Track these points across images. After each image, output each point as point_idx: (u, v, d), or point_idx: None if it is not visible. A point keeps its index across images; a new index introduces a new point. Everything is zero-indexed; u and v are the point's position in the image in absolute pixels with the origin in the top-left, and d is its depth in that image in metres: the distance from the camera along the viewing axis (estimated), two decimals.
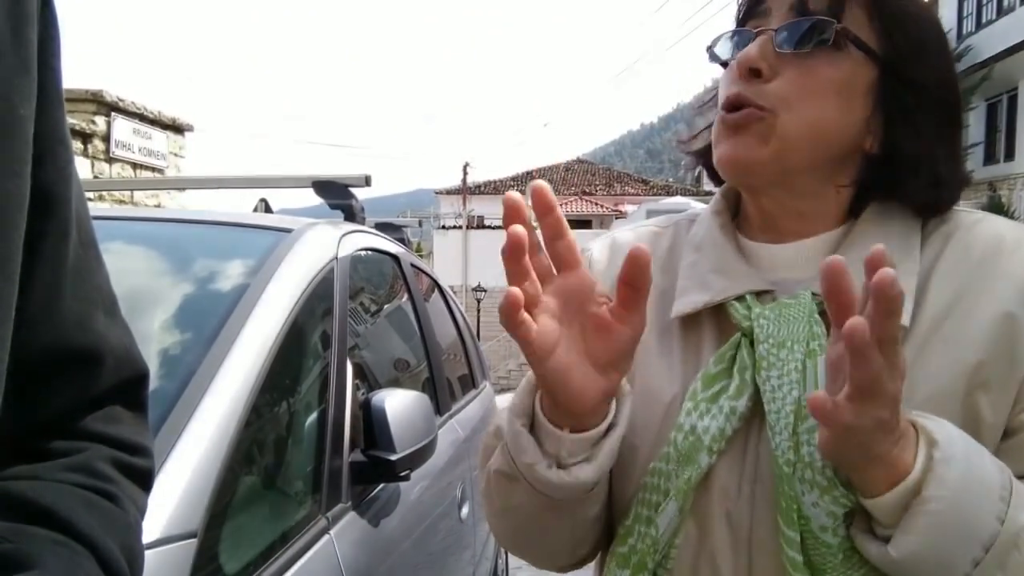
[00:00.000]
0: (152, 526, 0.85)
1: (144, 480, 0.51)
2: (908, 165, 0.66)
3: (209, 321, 1.23)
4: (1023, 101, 15.03)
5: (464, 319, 2.98)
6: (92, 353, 0.48)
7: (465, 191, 27.41)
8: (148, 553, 0.82)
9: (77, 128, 6.18)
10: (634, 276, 0.54)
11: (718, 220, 0.75)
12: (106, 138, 6.58)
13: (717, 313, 0.70)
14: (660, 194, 28.75)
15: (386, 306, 2.16)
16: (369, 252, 1.93)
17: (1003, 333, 0.61)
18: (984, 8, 15.75)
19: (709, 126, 0.75)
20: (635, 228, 0.83)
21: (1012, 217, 12.01)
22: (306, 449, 1.30)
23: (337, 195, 2.22)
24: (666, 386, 0.70)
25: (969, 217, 0.69)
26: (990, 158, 16.04)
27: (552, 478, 0.60)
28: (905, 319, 0.62)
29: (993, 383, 0.61)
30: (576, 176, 34.68)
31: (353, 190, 2.25)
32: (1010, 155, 15.48)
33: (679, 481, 0.65)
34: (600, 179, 34.88)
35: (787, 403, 0.62)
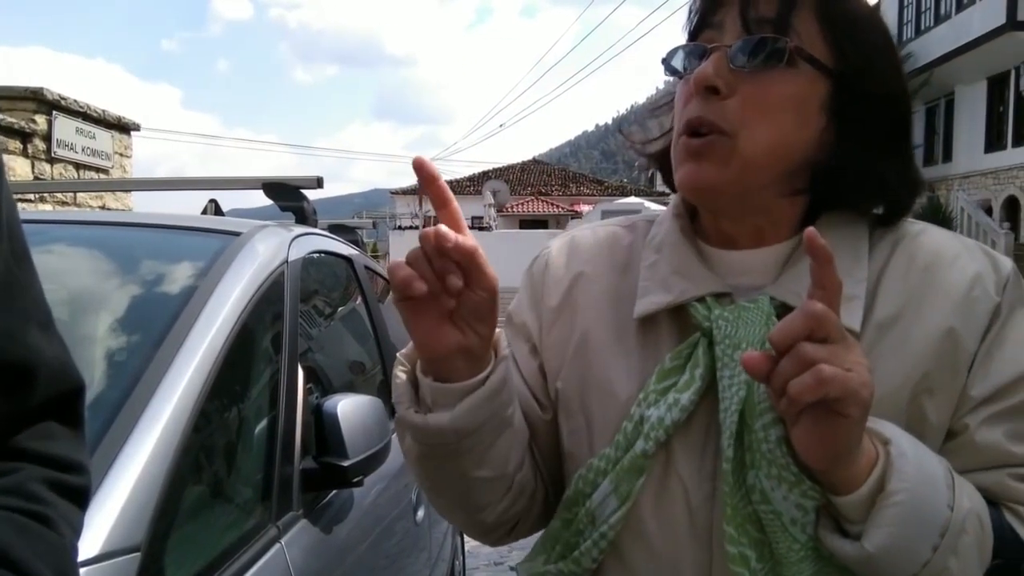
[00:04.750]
0: (92, 541, 0.83)
1: (80, 498, 0.50)
2: (857, 177, 0.68)
3: (155, 326, 1.20)
4: (959, 105, 15.65)
5: None
6: (24, 368, 0.46)
7: (421, 191, 27.21)
8: (88, 570, 0.80)
9: (16, 127, 5.96)
10: (460, 256, 0.58)
11: (678, 223, 0.75)
12: (47, 137, 6.35)
13: (676, 313, 0.71)
14: (615, 194, 29.02)
15: (339, 309, 2.14)
16: (321, 255, 1.91)
17: (946, 346, 0.65)
18: (923, 15, 16.35)
19: (666, 132, 0.75)
20: (594, 228, 0.83)
21: (948, 215, 12.48)
22: (255, 457, 1.28)
23: (288, 197, 2.19)
24: (624, 383, 0.71)
25: (913, 227, 0.72)
26: (929, 160, 16.66)
27: (408, 418, 0.65)
28: (856, 323, 0.65)
29: (937, 389, 0.65)
30: (532, 176, 34.80)
31: (305, 191, 2.22)
32: (947, 157, 16.11)
33: (618, 466, 0.68)
34: (556, 179, 35.04)
35: (734, 402, 0.64)
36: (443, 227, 0.58)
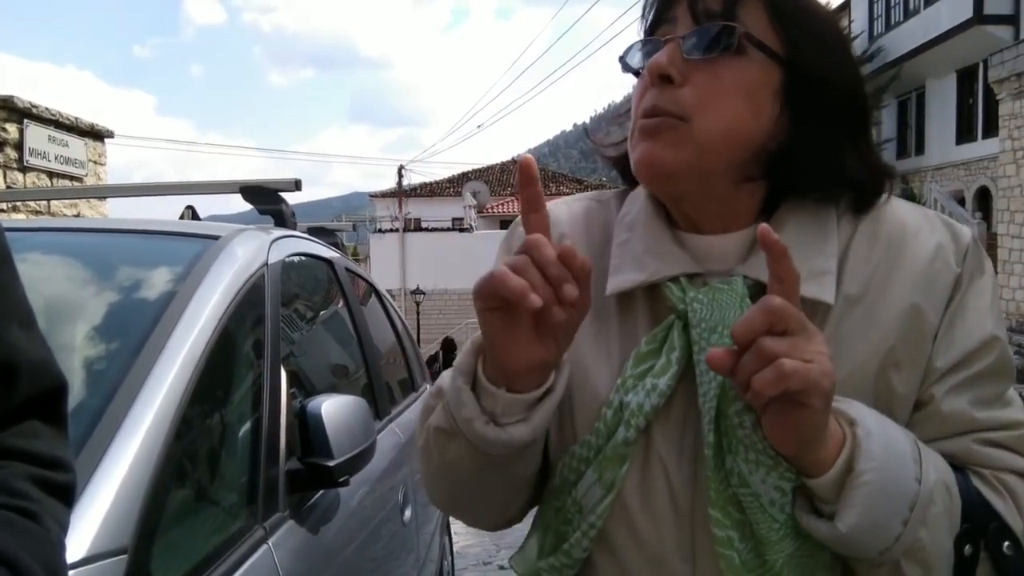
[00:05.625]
0: (79, 543, 0.83)
1: (65, 495, 0.50)
2: (812, 164, 0.68)
3: (135, 331, 1.20)
4: (930, 98, 15.90)
5: (402, 322, 2.97)
6: (6, 366, 0.47)
7: (401, 194, 27.18)
8: (76, 572, 0.80)
9: None
10: (568, 263, 0.57)
11: (652, 202, 0.75)
12: (19, 146, 6.26)
13: (652, 294, 0.72)
14: None
15: (321, 312, 2.13)
16: (302, 257, 1.90)
17: (911, 321, 0.67)
18: (893, 10, 16.58)
19: (625, 139, 0.75)
20: (568, 202, 0.84)
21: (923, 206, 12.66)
22: (240, 459, 1.28)
23: (267, 200, 2.18)
24: (604, 369, 0.71)
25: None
26: (902, 153, 16.90)
27: (488, 434, 0.63)
28: (829, 297, 0.67)
29: (903, 362, 0.67)
30: (512, 176, 34.78)
31: (284, 195, 2.21)
32: (920, 149, 16.35)
33: (601, 455, 0.68)
34: None
35: (712, 387, 0.65)
36: (570, 244, 0.57)
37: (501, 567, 4.05)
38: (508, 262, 0.57)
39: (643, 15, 0.73)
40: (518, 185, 0.60)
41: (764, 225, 0.56)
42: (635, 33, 0.75)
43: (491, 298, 0.57)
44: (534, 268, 0.56)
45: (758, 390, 0.54)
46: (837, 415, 0.61)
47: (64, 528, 0.48)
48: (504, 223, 26.90)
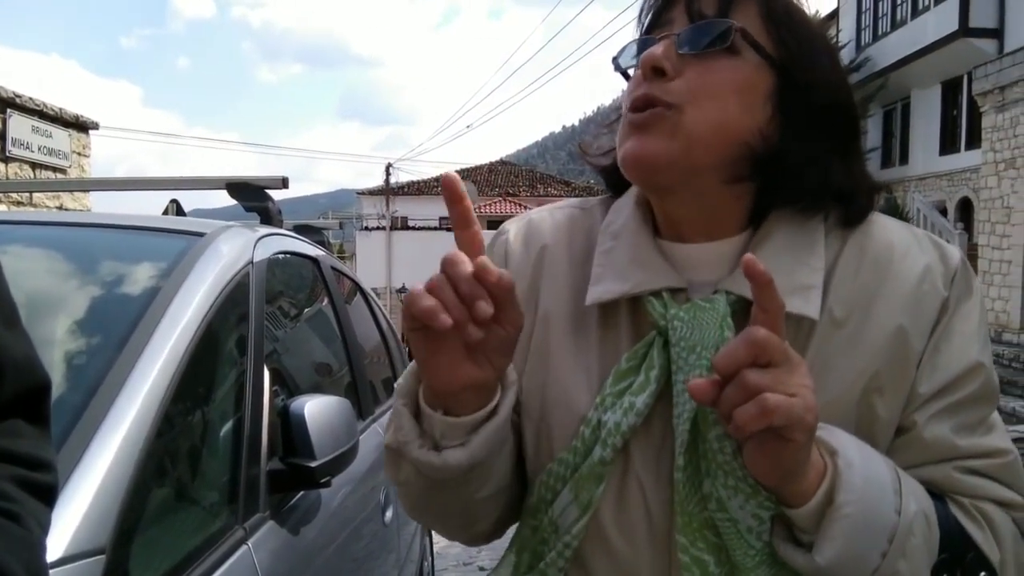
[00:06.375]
0: (57, 544, 0.82)
1: (47, 495, 0.50)
2: (801, 168, 0.67)
3: (117, 328, 1.19)
4: (915, 109, 16.07)
5: (388, 321, 2.96)
6: None
7: (388, 192, 27.08)
8: (53, 572, 0.79)
9: None
10: (495, 291, 0.55)
11: (639, 211, 0.73)
12: (1, 136, 6.19)
13: (635, 307, 0.70)
14: (583, 195, 28.82)
15: (306, 310, 2.13)
16: (287, 255, 1.89)
17: (896, 345, 0.66)
18: (880, 21, 16.74)
19: (613, 149, 0.74)
20: (551, 210, 0.82)
21: (906, 216, 12.81)
22: (221, 458, 1.27)
23: (253, 197, 2.17)
24: (583, 384, 0.70)
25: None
26: (886, 162, 17.07)
27: (422, 458, 0.62)
28: (814, 313, 0.65)
29: (887, 387, 0.66)
30: (500, 177, 34.81)
31: (270, 191, 2.20)
32: (904, 159, 16.52)
33: (577, 473, 0.67)
34: (523, 180, 35.12)
35: (687, 409, 0.64)
36: (484, 259, 0.55)
37: (481, 568, 4.05)
38: (428, 281, 0.56)
39: (640, 18, 0.72)
40: (446, 204, 0.58)
41: (749, 255, 0.54)
42: (627, 36, 0.74)
43: (410, 319, 0.56)
44: (448, 286, 0.55)
45: (740, 424, 0.53)
46: (819, 444, 0.60)
47: (45, 529, 0.48)
48: (492, 223, 26.85)
